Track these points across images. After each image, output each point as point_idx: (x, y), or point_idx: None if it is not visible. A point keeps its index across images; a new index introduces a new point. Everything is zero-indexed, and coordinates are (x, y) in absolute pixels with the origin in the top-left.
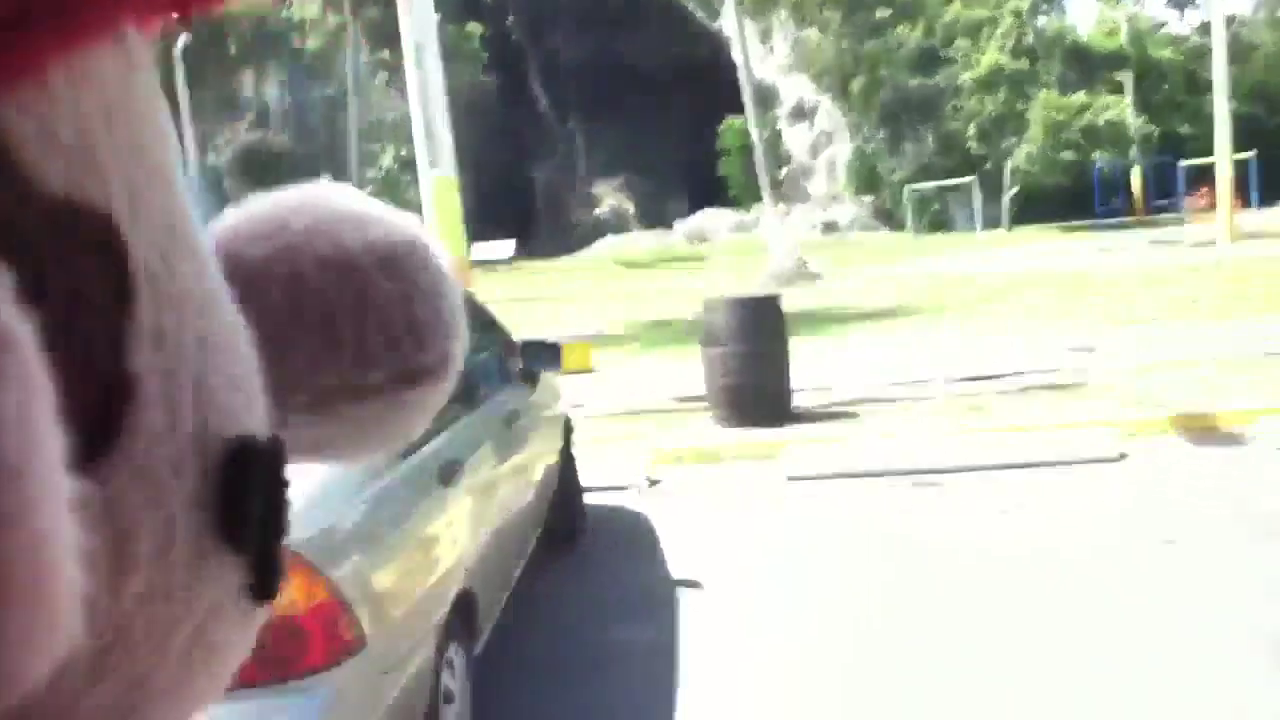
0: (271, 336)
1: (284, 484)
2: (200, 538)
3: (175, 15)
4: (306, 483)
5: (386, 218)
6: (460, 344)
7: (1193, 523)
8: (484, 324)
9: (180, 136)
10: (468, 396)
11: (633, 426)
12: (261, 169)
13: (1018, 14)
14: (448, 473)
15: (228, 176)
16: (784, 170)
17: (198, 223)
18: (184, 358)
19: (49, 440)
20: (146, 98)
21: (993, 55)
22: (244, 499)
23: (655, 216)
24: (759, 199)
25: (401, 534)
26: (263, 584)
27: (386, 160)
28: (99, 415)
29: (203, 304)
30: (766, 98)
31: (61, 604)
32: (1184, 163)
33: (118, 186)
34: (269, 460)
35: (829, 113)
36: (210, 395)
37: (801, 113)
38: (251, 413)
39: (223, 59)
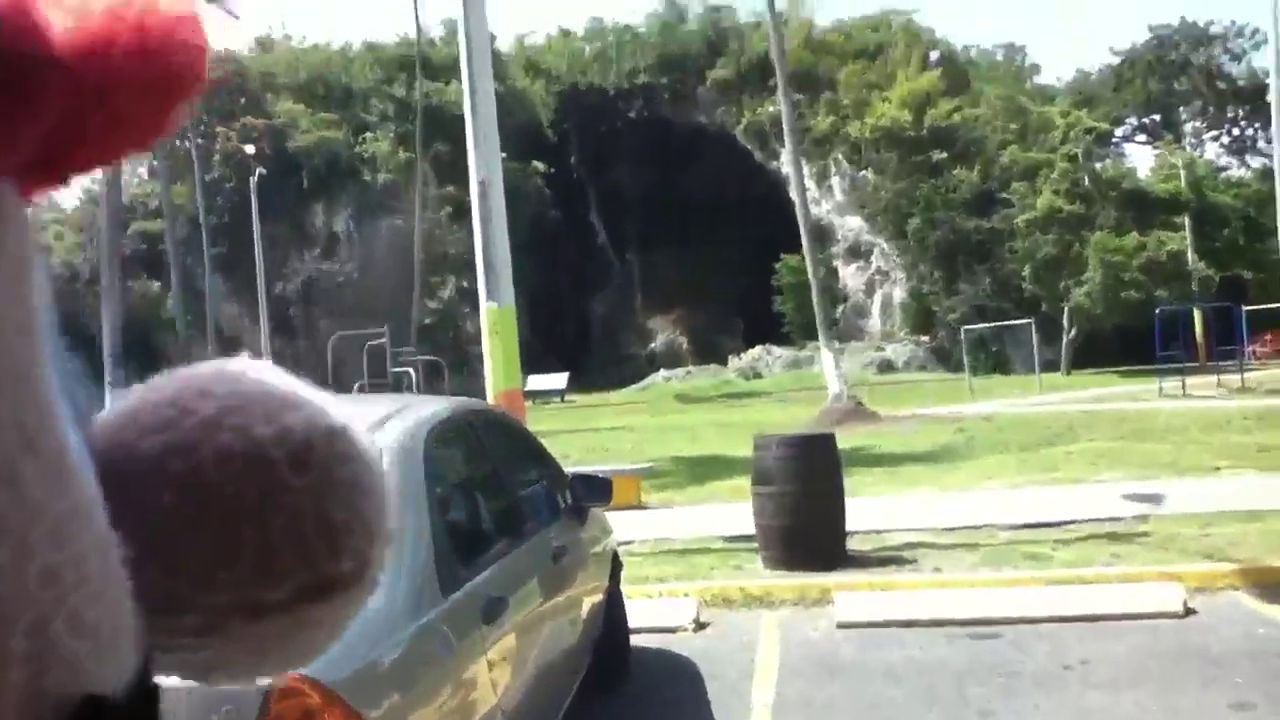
0: (158, 547)
1: None
2: None
3: (53, 180)
4: None
5: (307, 401)
6: (382, 547)
7: (1266, 686)
8: (534, 457)
9: (253, 264)
10: (515, 531)
11: (682, 566)
12: (327, 298)
13: (1073, 158)
14: (491, 611)
15: (294, 305)
16: (840, 308)
17: (62, 420)
18: (20, 601)
19: None
20: (26, 274)
21: (1048, 198)
22: None
23: (709, 351)
24: (814, 336)
25: (442, 674)
26: None
27: (447, 291)
28: None
29: (57, 526)
30: (823, 236)
31: None
32: (1247, 308)
33: None
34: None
35: (885, 252)
36: (52, 645)
37: (857, 252)
38: (105, 662)
39: (295, 191)
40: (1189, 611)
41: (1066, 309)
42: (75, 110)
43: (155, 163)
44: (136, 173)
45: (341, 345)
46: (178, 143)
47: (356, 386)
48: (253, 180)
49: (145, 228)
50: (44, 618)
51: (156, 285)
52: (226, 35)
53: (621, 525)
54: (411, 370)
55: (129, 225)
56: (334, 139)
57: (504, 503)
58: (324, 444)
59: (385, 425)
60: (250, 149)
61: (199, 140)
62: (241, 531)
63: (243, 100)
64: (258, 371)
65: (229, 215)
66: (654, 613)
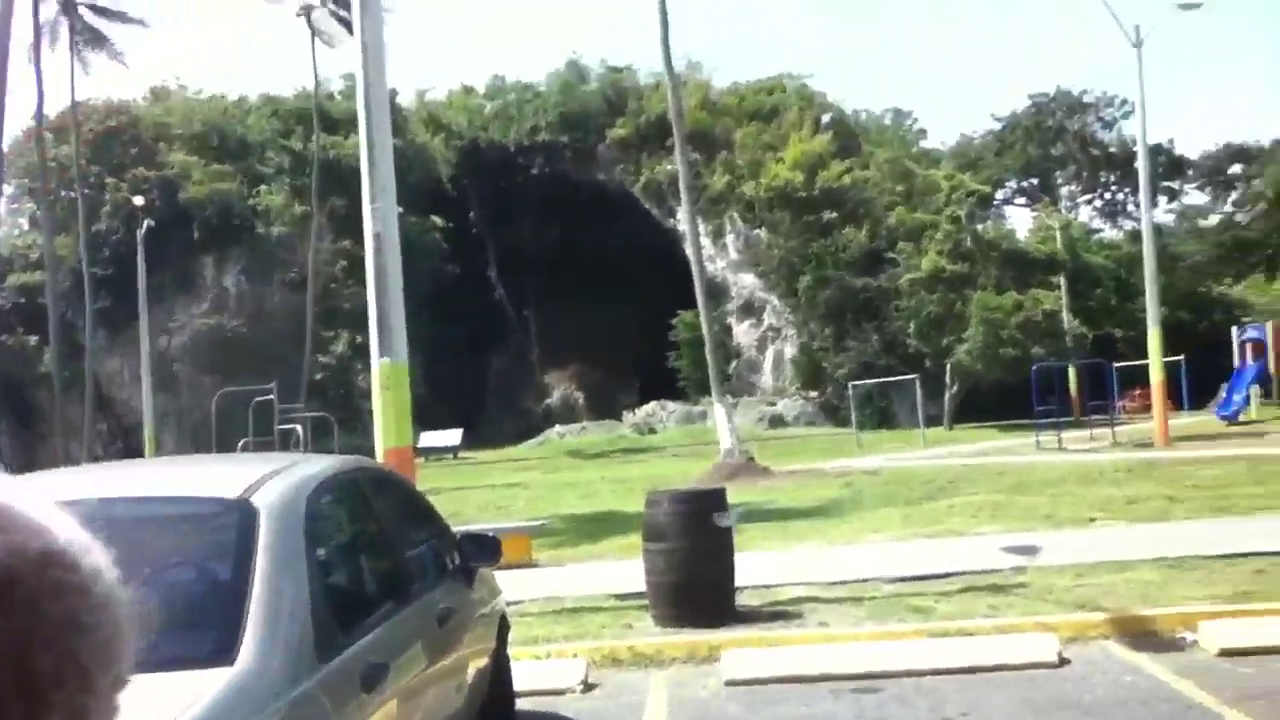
0: None
1: None
2: None
3: None
4: (221, 682)
5: (16, 520)
6: (106, 694)
7: None
8: (422, 516)
9: (137, 318)
10: (399, 593)
11: (571, 625)
12: (214, 353)
13: (956, 219)
14: (372, 678)
15: (179, 361)
16: (733, 364)
17: None
18: None
19: None
20: None
21: (933, 258)
22: None
23: (605, 407)
24: (708, 391)
25: None
26: None
27: (340, 347)
28: None
29: None
30: (717, 293)
31: None
32: (1117, 365)
33: None
34: None
35: (777, 309)
36: None
37: (751, 308)
38: None
39: (185, 243)
40: (1063, 661)
41: (949, 365)
42: None
43: (38, 213)
44: (17, 224)
45: (227, 402)
46: (63, 193)
47: (241, 444)
48: (140, 232)
49: (24, 280)
50: None
51: (34, 339)
52: (119, 84)
53: (513, 584)
54: (299, 427)
55: (6, 278)
56: (227, 191)
57: (389, 564)
58: (32, 575)
59: (266, 484)
60: (139, 200)
61: (85, 190)
62: None
63: (134, 151)
64: None
65: (115, 268)
66: (542, 674)
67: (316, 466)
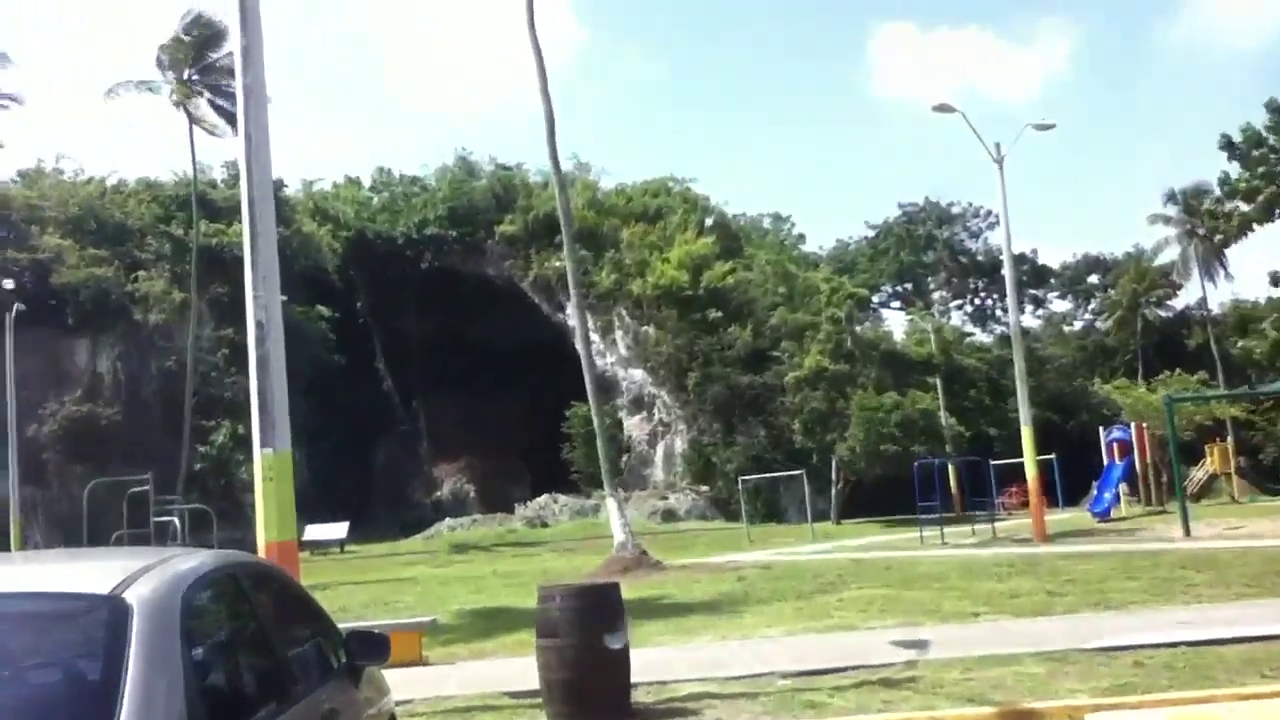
0: None
1: None
2: None
3: None
4: None
5: None
6: None
7: None
8: (305, 613)
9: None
10: (281, 694)
11: None
12: (87, 442)
13: (836, 320)
14: None
15: (49, 449)
16: (625, 458)
17: None
18: None
19: None
20: None
21: (815, 357)
22: None
23: (496, 499)
24: (601, 485)
25: None
26: None
27: (220, 437)
28: None
29: None
30: (608, 387)
31: None
32: (994, 462)
33: None
34: None
35: (667, 404)
36: None
37: (641, 403)
38: None
39: (57, 328)
40: None
41: (834, 461)
42: None
43: None
44: None
45: (100, 493)
46: None
47: (114, 537)
48: (10, 315)
49: None
50: None
51: None
52: None
53: (402, 683)
54: (176, 520)
55: None
56: (104, 276)
57: (270, 663)
58: None
59: (139, 579)
60: (9, 283)
61: None
62: None
63: (4, 233)
64: None
65: None
66: None
67: (193, 561)
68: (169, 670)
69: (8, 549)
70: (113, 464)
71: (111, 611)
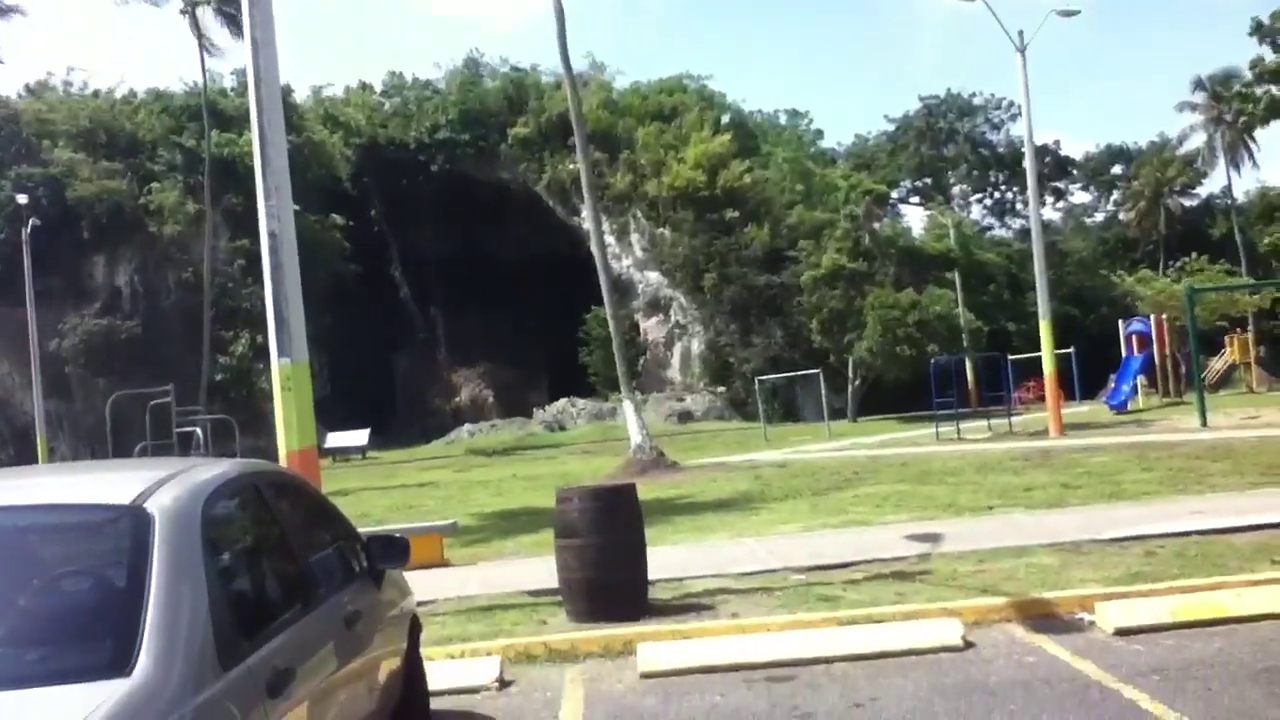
0: None
1: None
2: None
3: None
4: (118, 693)
5: None
6: None
7: (1037, 713)
8: (326, 519)
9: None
10: (304, 598)
11: (485, 623)
12: (108, 355)
13: (854, 218)
14: (277, 683)
15: (71, 364)
16: (641, 360)
17: None
18: None
19: None
20: None
21: (832, 256)
22: None
23: (514, 405)
24: (618, 388)
25: None
26: None
27: (239, 347)
28: None
29: None
30: (624, 290)
31: None
32: (1012, 357)
33: None
34: None
35: (683, 306)
36: None
37: (657, 305)
38: None
39: (74, 243)
40: (968, 645)
41: (851, 360)
42: None
43: None
44: None
45: (123, 405)
46: None
47: (138, 449)
48: (26, 231)
49: None
50: None
51: None
52: None
53: (425, 584)
54: (199, 430)
55: None
56: (117, 189)
57: (292, 568)
58: None
59: (160, 490)
60: (23, 198)
61: None
62: None
63: (14, 148)
64: None
65: (0, 268)
66: (457, 673)
67: (213, 471)
68: (192, 576)
69: (34, 462)
70: (135, 376)
71: (134, 521)
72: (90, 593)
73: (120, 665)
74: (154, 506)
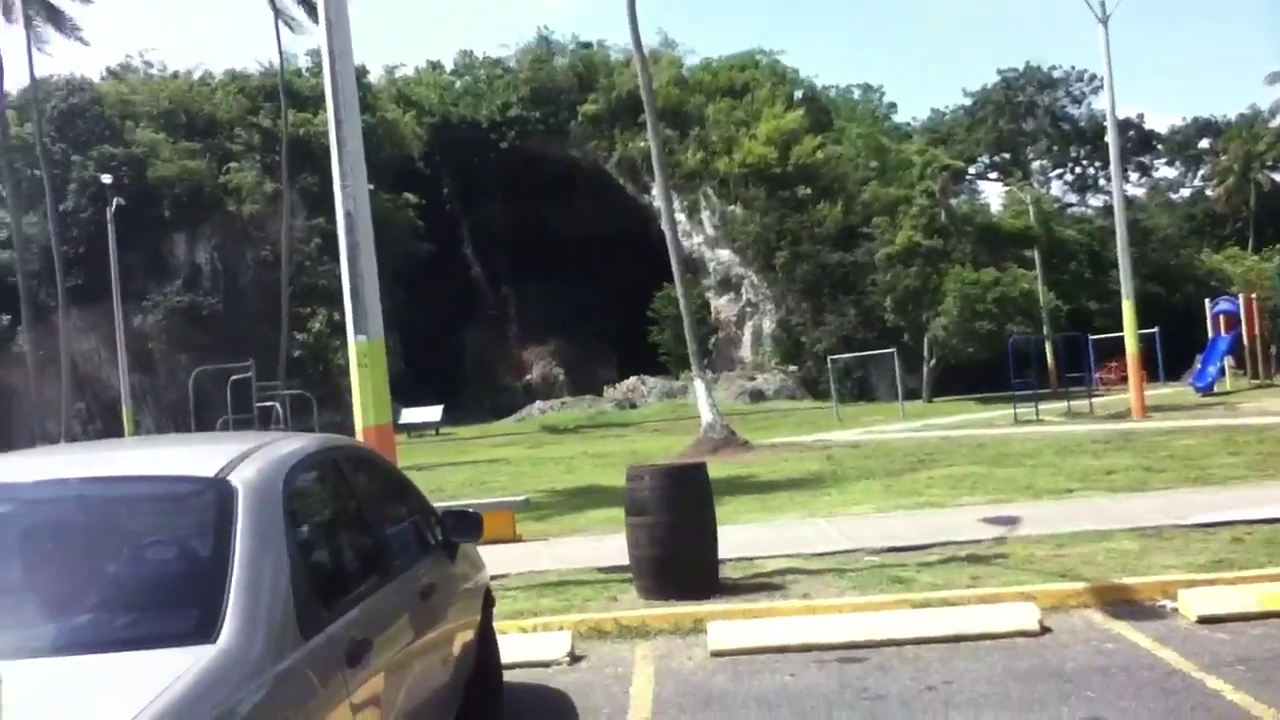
0: None
1: None
2: None
3: None
4: (204, 659)
5: None
6: None
7: (1114, 701)
8: (402, 493)
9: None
10: (381, 569)
11: (556, 598)
12: (189, 331)
13: (930, 194)
14: (355, 653)
15: (154, 340)
16: (712, 339)
17: None
18: None
19: None
20: None
21: (907, 233)
22: None
23: (585, 382)
24: (688, 367)
25: None
26: None
27: (316, 324)
28: None
29: None
30: (695, 268)
31: None
32: (1093, 337)
33: None
34: None
35: (754, 284)
36: None
37: (728, 284)
38: None
39: (156, 222)
40: (1044, 630)
41: (926, 339)
42: None
43: (3, 192)
44: None
45: (205, 380)
46: (29, 171)
47: (220, 422)
48: (110, 210)
49: None
50: None
51: (5, 319)
52: (78, 63)
53: (496, 559)
54: (278, 405)
55: None
56: (197, 169)
57: (369, 541)
58: None
59: (243, 463)
60: (108, 178)
61: (53, 169)
62: None
63: (99, 129)
64: None
65: (85, 246)
66: (528, 647)
67: (293, 445)
68: (274, 547)
69: (120, 435)
70: (215, 352)
71: (218, 493)
72: (177, 562)
73: (206, 632)
74: (237, 479)
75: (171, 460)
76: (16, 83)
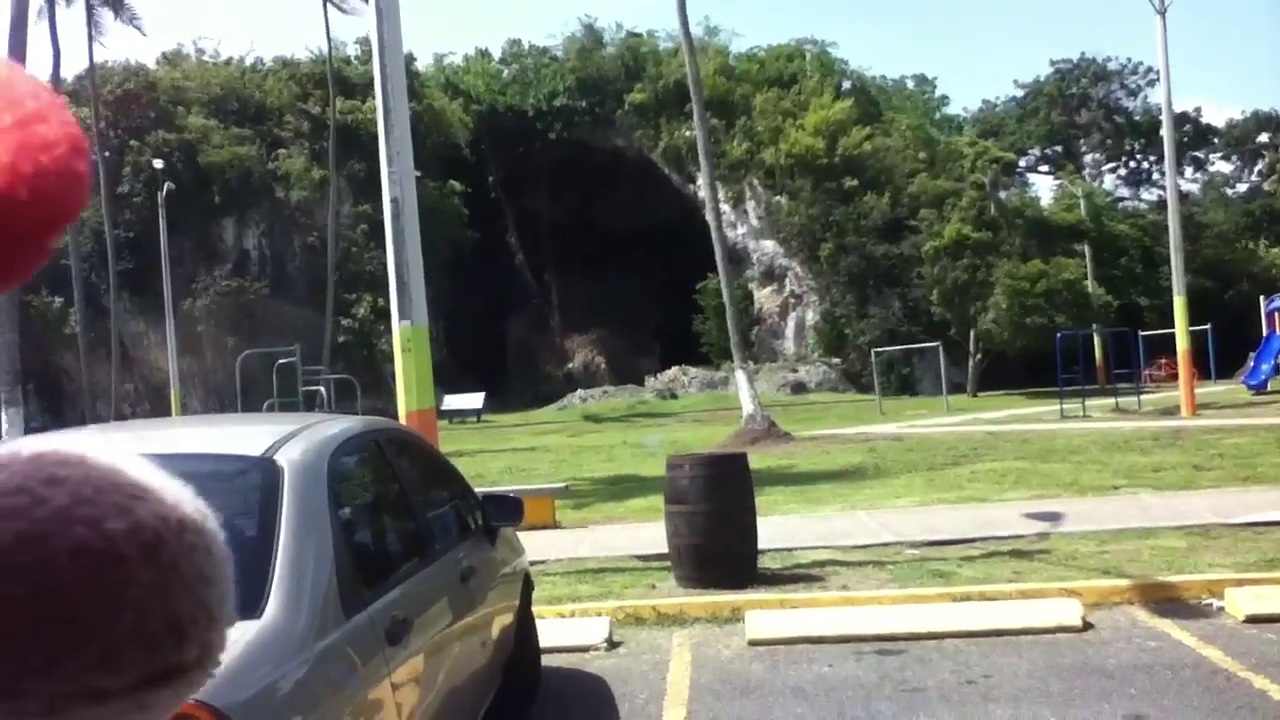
0: (2, 634)
1: None
2: None
3: None
4: (249, 634)
5: (156, 490)
6: (223, 631)
7: (1158, 699)
8: (444, 477)
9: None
10: (422, 551)
11: (595, 585)
12: (237, 315)
13: (980, 187)
14: (397, 632)
15: (202, 322)
16: (755, 330)
17: None
18: None
19: None
20: None
21: (956, 225)
22: None
23: (626, 371)
24: (730, 357)
25: (344, 697)
26: None
27: (361, 310)
28: None
29: None
30: (739, 259)
31: None
32: (1143, 333)
33: None
34: None
35: (799, 276)
36: None
37: (772, 275)
38: None
39: (206, 207)
40: (1087, 626)
41: (973, 333)
42: None
43: None
44: None
45: (251, 363)
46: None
47: (266, 405)
48: (161, 194)
49: None
50: None
51: (58, 301)
52: (132, 48)
53: (536, 545)
54: (323, 389)
55: None
56: (247, 155)
57: (411, 523)
58: (174, 538)
59: (289, 443)
60: (160, 163)
61: (106, 153)
62: (90, 626)
63: (152, 114)
64: (106, 453)
65: (136, 230)
66: (567, 632)
67: (338, 426)
68: (318, 526)
69: (169, 416)
70: (262, 336)
71: (265, 472)
72: (224, 538)
73: (251, 607)
74: (283, 459)
75: (220, 439)
76: (72, 69)
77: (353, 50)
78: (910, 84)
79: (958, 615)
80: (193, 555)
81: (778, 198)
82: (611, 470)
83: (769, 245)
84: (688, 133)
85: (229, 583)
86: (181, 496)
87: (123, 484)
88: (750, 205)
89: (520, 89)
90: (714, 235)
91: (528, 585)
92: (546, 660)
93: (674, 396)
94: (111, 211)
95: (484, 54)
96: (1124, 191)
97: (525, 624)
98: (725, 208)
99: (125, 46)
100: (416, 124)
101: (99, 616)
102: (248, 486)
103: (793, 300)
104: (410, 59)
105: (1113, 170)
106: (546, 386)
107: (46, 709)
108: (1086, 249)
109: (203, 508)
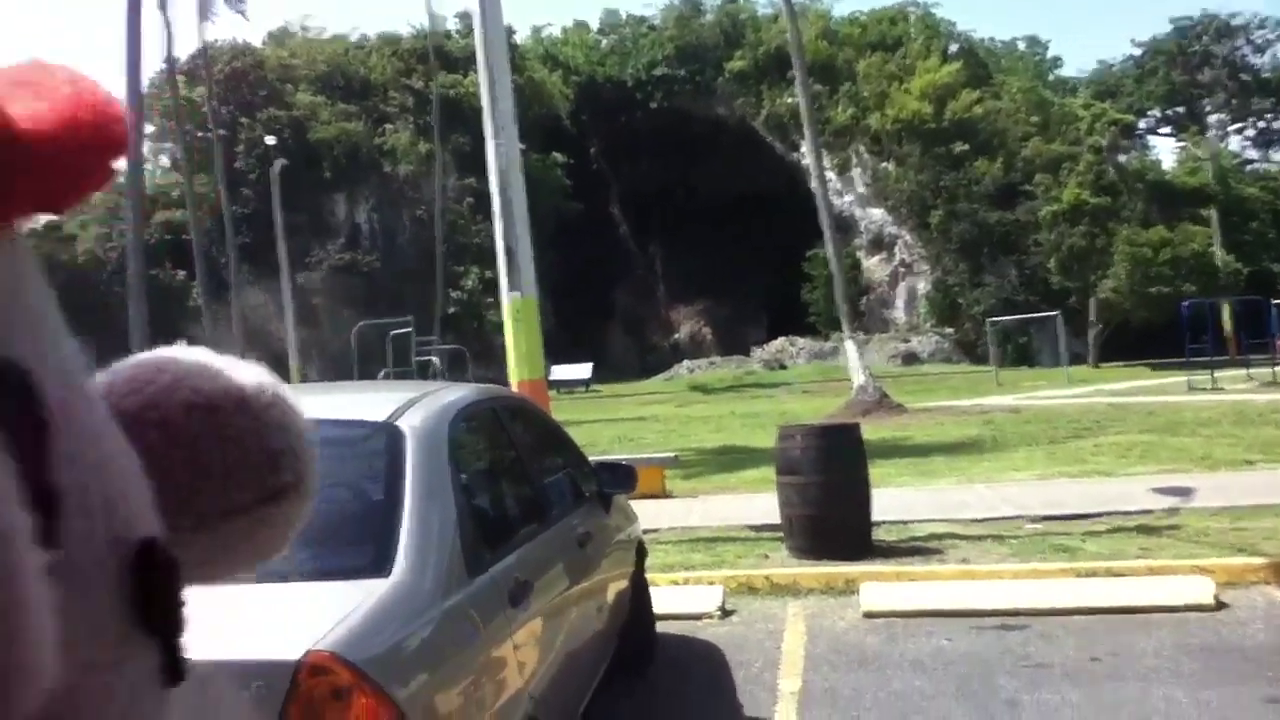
0: (150, 472)
1: (181, 581)
2: (122, 622)
3: (49, 211)
4: (379, 591)
5: (233, 367)
6: (310, 463)
7: None
8: (558, 444)
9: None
10: (540, 516)
11: (707, 554)
12: (350, 287)
13: (1097, 150)
14: (518, 594)
15: (318, 295)
16: (864, 300)
17: (86, 370)
18: (91, 476)
19: (21, 514)
20: (35, 273)
21: (1073, 190)
22: (155, 589)
23: (733, 342)
24: (839, 327)
25: (469, 655)
26: (173, 667)
27: (470, 282)
28: (37, 525)
29: (96, 434)
30: (846, 227)
31: (43, 654)
32: (1276, 301)
33: (28, 344)
34: (168, 558)
35: (908, 244)
36: (115, 506)
37: (881, 243)
38: (148, 520)
39: (317, 182)
40: (1220, 605)
41: (1093, 302)
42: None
43: (177, 154)
44: (159, 163)
45: (366, 334)
46: (199, 134)
47: (382, 374)
48: (274, 170)
49: (169, 217)
50: (106, 487)
51: (181, 275)
52: (240, 29)
53: (647, 514)
54: (435, 359)
55: (152, 216)
56: (354, 130)
57: (528, 488)
58: (254, 395)
59: (411, 409)
60: (272, 140)
61: (221, 131)
62: (208, 458)
63: (262, 92)
64: (192, 351)
65: (252, 206)
66: (680, 600)
67: (457, 394)
68: (441, 490)
69: (290, 384)
70: (375, 307)
71: (389, 437)
72: (353, 501)
73: (380, 567)
74: (405, 424)
75: (345, 406)
76: (184, 49)
77: (452, 24)
78: (1021, 46)
79: (1082, 591)
80: (271, 407)
81: (885, 164)
82: (720, 440)
83: (877, 213)
84: (790, 99)
85: (304, 427)
86: (254, 373)
87: (210, 366)
88: (856, 172)
89: (619, 59)
90: (820, 203)
91: (641, 552)
92: (660, 627)
93: (782, 367)
94: (228, 188)
95: (582, 25)
96: (1253, 153)
97: (640, 590)
98: (831, 175)
99: (230, 28)
100: (518, 96)
101: (213, 452)
102: (372, 451)
103: (902, 269)
104: (510, 31)
105: (1239, 131)
106: (653, 357)
107: (197, 524)
108: (1214, 213)
109: (271, 380)
